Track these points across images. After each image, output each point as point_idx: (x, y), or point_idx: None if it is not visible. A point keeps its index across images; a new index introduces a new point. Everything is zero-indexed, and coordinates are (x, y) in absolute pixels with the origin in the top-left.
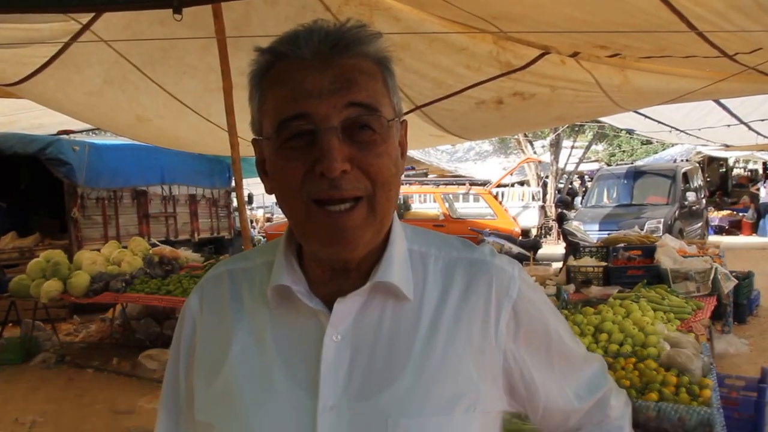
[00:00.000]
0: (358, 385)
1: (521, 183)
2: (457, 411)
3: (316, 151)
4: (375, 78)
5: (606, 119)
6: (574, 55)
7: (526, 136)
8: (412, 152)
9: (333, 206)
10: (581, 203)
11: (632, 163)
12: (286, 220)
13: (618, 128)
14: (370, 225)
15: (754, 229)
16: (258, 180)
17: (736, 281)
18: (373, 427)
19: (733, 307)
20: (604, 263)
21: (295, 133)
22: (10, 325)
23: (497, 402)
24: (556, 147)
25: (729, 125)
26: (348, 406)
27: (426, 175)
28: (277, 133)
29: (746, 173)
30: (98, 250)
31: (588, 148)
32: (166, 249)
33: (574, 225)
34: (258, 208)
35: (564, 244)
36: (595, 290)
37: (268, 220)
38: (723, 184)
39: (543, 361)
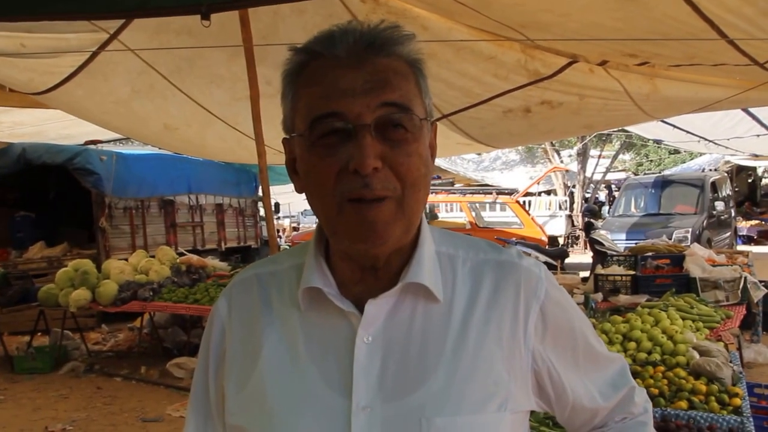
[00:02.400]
0: (391, 385)
1: (548, 192)
2: (489, 410)
3: (350, 149)
4: (408, 78)
5: (634, 129)
6: (603, 63)
7: (553, 145)
8: (438, 161)
9: (364, 203)
10: (608, 212)
11: (660, 173)
12: (312, 229)
13: (646, 138)
14: (398, 221)
15: None
16: (285, 189)
17: (766, 290)
18: (407, 427)
19: (763, 317)
20: (632, 272)
21: (328, 131)
22: (39, 334)
23: (526, 402)
24: (583, 156)
25: (758, 135)
26: (381, 407)
27: (452, 184)
28: (310, 130)
29: None
30: (126, 260)
31: (615, 157)
32: (193, 258)
33: (601, 234)
34: (284, 217)
35: (591, 253)
36: (623, 299)
37: (295, 229)
38: (751, 193)
39: (569, 361)
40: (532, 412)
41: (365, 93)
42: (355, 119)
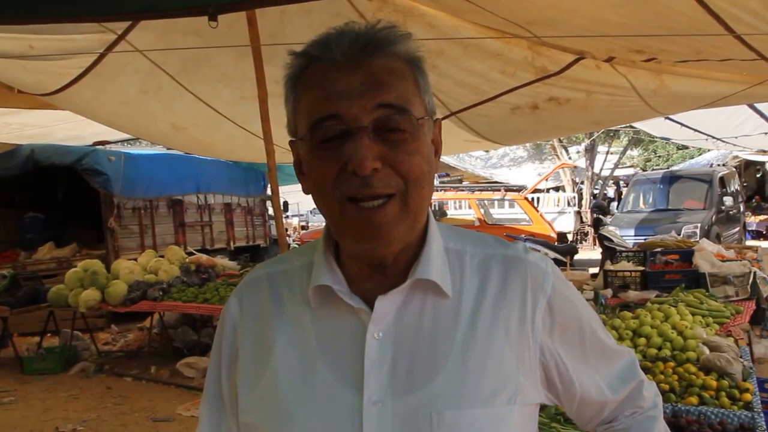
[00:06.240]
0: (402, 380)
1: (556, 188)
2: (499, 403)
3: (348, 151)
4: (405, 78)
5: (642, 127)
6: (609, 59)
7: (560, 141)
8: (446, 158)
9: (366, 203)
10: (617, 208)
11: (668, 168)
12: (321, 228)
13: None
14: (403, 221)
15: None
16: (293, 188)
17: None
18: (418, 421)
19: None
20: (641, 267)
21: (327, 134)
22: (49, 335)
23: (535, 395)
24: (591, 152)
25: (767, 133)
26: (392, 401)
27: (461, 181)
28: (311, 133)
29: None
30: (135, 260)
31: (623, 153)
32: (203, 257)
33: (610, 230)
34: (293, 216)
35: (600, 249)
36: (632, 294)
37: (303, 227)
38: (760, 188)
39: (577, 354)
40: (543, 408)
41: (362, 95)
42: (353, 121)
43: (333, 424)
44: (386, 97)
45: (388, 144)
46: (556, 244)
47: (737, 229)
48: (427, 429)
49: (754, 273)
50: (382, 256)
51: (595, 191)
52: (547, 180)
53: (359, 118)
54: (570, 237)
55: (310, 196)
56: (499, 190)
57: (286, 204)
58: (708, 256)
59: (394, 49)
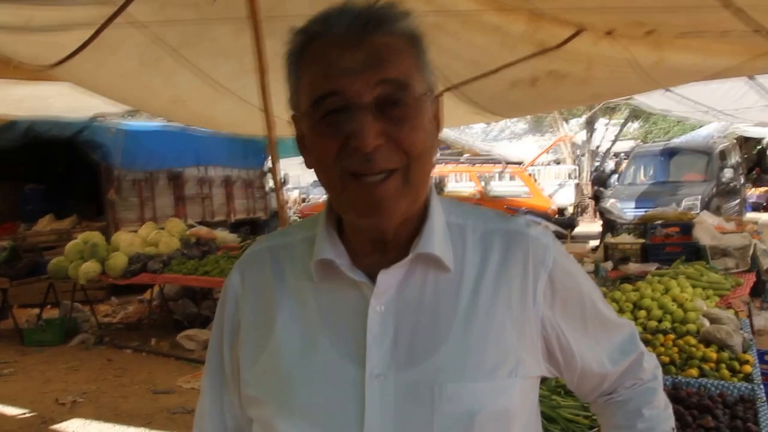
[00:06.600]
0: (404, 353)
1: (556, 162)
2: (500, 376)
3: (350, 127)
4: (406, 54)
5: (641, 100)
6: (610, 32)
7: (561, 114)
8: (446, 132)
9: (368, 177)
10: (617, 181)
11: (668, 141)
12: (321, 200)
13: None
14: (405, 195)
15: None
16: (293, 161)
17: None
18: (420, 394)
19: None
20: (641, 240)
21: (329, 110)
22: (49, 306)
23: (536, 367)
24: (591, 125)
25: (767, 105)
26: (395, 374)
27: (461, 155)
28: (313, 109)
29: None
30: (135, 232)
31: (623, 126)
32: (203, 230)
33: (610, 203)
34: (293, 188)
35: (600, 222)
36: (633, 267)
37: (303, 200)
38: (760, 161)
39: (578, 326)
40: (544, 381)
41: (363, 71)
42: (355, 97)
43: (335, 397)
44: (388, 73)
45: (390, 120)
46: (556, 217)
47: (737, 201)
48: (429, 402)
49: (755, 245)
50: (384, 231)
51: (596, 164)
52: (547, 153)
53: (361, 95)
54: (570, 210)
55: (310, 169)
56: (500, 163)
57: (286, 177)
58: (708, 228)
59: (395, 27)
